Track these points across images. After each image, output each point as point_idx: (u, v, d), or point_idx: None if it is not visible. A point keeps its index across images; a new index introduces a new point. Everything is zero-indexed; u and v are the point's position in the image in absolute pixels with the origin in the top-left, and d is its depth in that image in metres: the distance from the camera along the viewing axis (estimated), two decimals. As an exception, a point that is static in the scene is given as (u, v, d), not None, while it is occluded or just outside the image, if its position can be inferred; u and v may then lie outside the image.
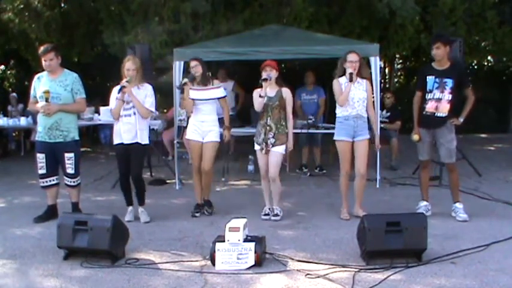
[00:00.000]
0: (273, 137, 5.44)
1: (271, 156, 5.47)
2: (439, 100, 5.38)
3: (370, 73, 6.17)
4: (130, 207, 5.63)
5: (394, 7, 9.43)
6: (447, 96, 5.35)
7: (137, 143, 5.40)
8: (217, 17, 9.94)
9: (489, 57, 14.63)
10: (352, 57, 5.39)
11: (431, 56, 5.50)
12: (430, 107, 5.42)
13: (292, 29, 9.07)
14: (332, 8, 10.69)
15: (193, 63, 5.73)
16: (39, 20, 10.60)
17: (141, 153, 5.54)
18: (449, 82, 5.34)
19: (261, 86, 5.39)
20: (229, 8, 10.17)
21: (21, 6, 10.54)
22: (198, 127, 5.71)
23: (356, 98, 5.39)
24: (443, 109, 5.38)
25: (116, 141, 5.47)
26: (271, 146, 5.45)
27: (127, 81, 5.30)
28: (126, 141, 5.39)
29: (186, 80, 5.70)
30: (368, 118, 5.51)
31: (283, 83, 5.61)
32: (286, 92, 5.53)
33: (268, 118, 5.48)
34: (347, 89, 5.35)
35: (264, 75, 5.41)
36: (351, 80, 5.31)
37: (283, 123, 5.51)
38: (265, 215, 5.56)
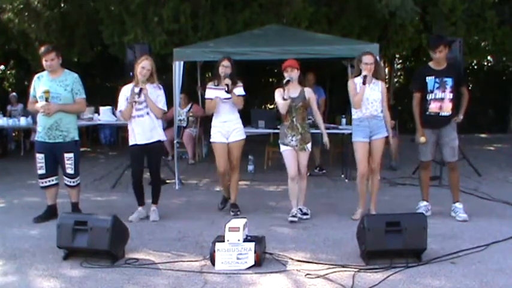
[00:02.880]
0: (301, 137, 5.44)
1: (303, 156, 5.48)
2: (441, 100, 5.37)
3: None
4: (140, 208, 5.60)
5: (393, 7, 9.43)
6: (449, 95, 5.37)
7: (157, 141, 5.43)
8: (217, 16, 9.95)
9: (489, 57, 14.63)
10: (367, 59, 5.35)
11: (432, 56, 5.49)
12: (434, 107, 5.41)
13: (292, 29, 9.08)
14: (332, 8, 10.71)
15: (226, 63, 5.62)
16: (39, 20, 10.62)
17: (160, 150, 5.63)
18: (450, 81, 5.36)
19: (282, 86, 5.33)
20: (229, 7, 10.18)
21: (21, 6, 10.56)
22: (222, 128, 5.69)
23: (371, 99, 5.37)
24: (447, 108, 5.39)
25: (130, 142, 5.45)
26: (306, 145, 5.45)
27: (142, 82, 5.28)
28: (141, 142, 5.37)
29: (229, 81, 5.54)
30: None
31: (305, 82, 5.60)
32: (309, 92, 5.51)
33: (294, 119, 5.45)
34: (361, 92, 5.32)
35: (286, 76, 5.36)
36: (364, 83, 5.30)
37: (307, 123, 5.56)
38: (293, 216, 5.43)
